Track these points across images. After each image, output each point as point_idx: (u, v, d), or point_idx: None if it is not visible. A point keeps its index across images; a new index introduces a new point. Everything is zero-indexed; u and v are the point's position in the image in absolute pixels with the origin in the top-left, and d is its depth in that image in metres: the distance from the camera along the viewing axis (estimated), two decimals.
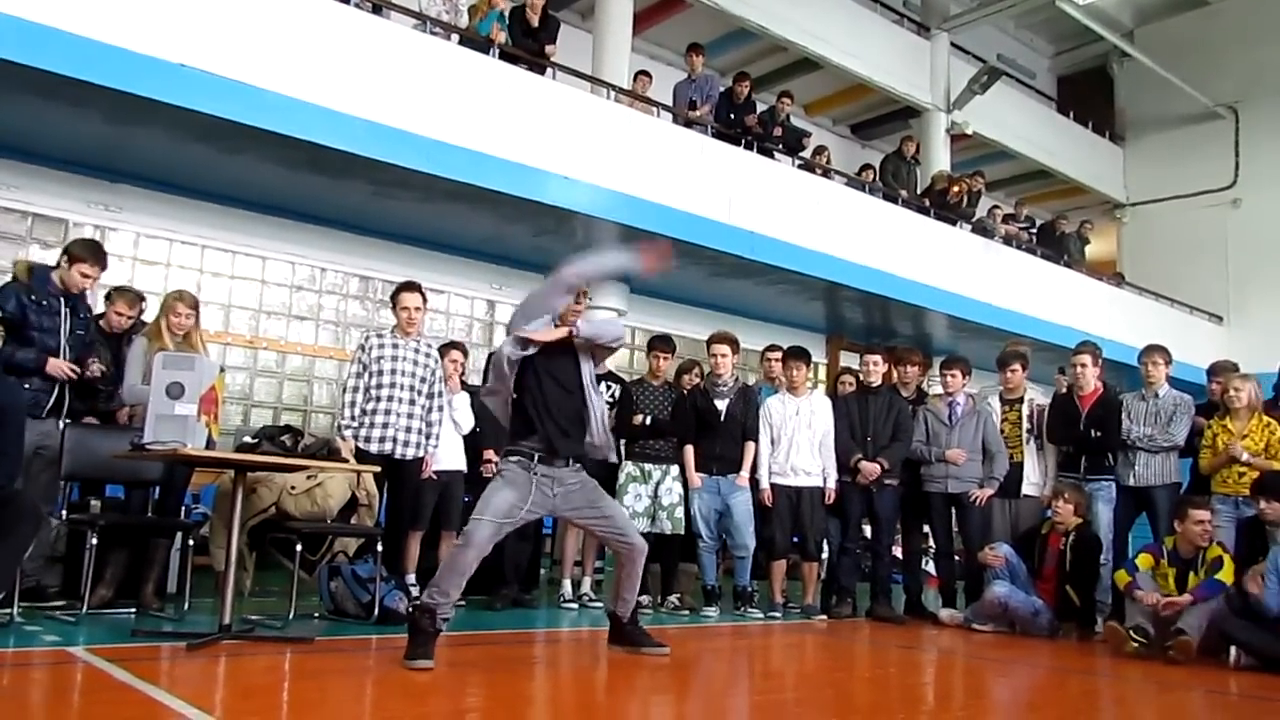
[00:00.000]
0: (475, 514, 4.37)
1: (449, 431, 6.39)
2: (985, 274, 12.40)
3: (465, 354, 6.79)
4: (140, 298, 6.06)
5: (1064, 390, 7.17)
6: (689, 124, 10.29)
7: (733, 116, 10.85)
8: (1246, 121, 16.51)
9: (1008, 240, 13.53)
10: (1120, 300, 14.79)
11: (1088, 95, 17.76)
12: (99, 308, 6.12)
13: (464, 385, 6.78)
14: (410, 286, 6.11)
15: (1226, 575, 5.64)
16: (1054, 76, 18.29)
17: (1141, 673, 5.32)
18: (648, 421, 6.81)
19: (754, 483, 6.88)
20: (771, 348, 7.87)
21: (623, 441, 6.95)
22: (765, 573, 7.10)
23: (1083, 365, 6.94)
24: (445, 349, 6.60)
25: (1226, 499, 6.27)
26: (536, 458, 4.44)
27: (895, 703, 4.41)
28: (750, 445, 6.87)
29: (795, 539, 7.07)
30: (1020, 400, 7.18)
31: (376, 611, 5.40)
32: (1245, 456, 6.21)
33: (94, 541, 4.97)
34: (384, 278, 9.64)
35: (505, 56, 8.57)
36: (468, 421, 6.55)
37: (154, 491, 5.65)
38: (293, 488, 6.15)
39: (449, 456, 6.42)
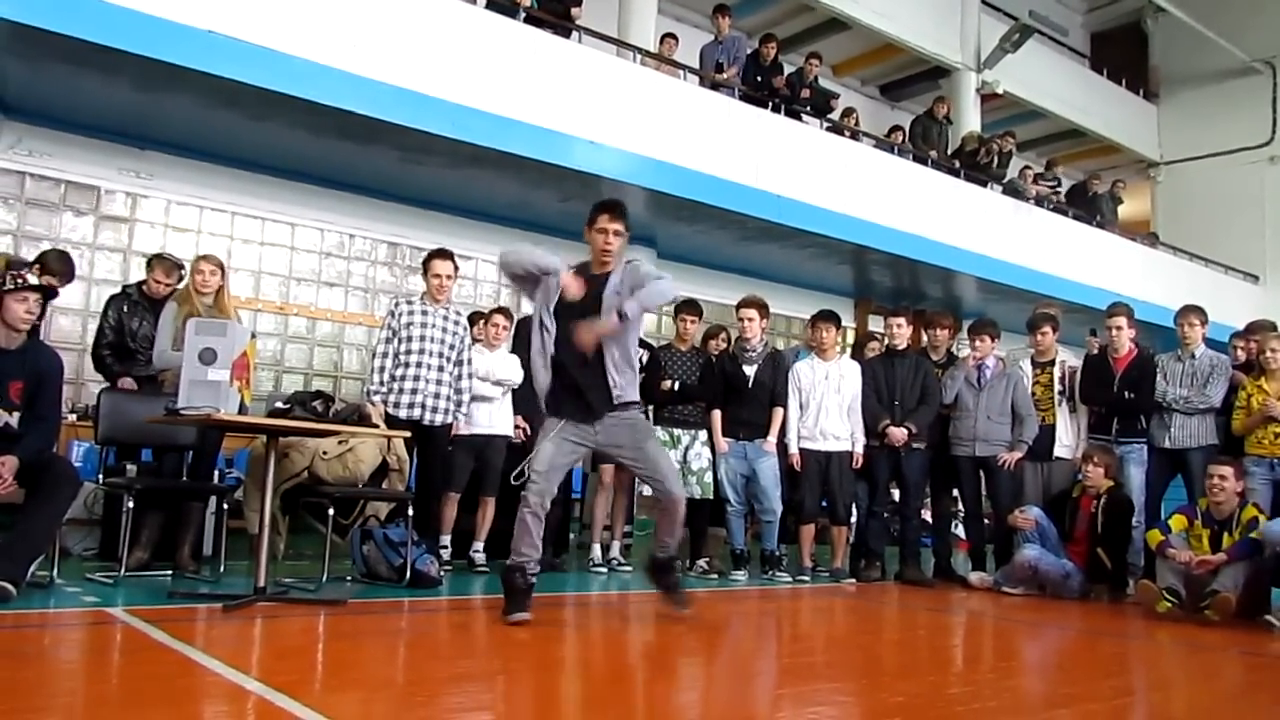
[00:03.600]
0: (531, 482, 4.47)
1: (496, 395, 6.46)
2: (1016, 235, 12.26)
3: (510, 318, 6.78)
4: (178, 265, 6.11)
5: (1096, 351, 7.10)
6: (715, 87, 10.20)
7: (760, 79, 10.74)
8: None
9: (1039, 201, 13.37)
10: (1154, 260, 14.58)
11: (1121, 52, 17.43)
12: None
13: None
14: (442, 254, 6.13)
15: (1261, 529, 5.58)
16: (1087, 33, 17.94)
17: (1173, 634, 5.30)
18: (676, 387, 6.80)
19: (783, 447, 6.88)
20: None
21: (651, 407, 6.96)
22: (794, 537, 7.11)
23: (1118, 328, 6.86)
24: (491, 314, 6.69)
25: (1261, 460, 6.20)
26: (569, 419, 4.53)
27: (925, 665, 4.41)
28: (779, 410, 6.85)
29: (824, 503, 7.07)
30: (1052, 363, 7.12)
31: (408, 575, 5.46)
32: None
33: (130, 505, 5.06)
34: (412, 244, 9.67)
35: (531, 20, 8.51)
36: (515, 375, 6.53)
37: (187, 456, 5.72)
38: (324, 453, 6.21)
39: (492, 418, 6.46)
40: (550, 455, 4.48)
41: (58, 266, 5.88)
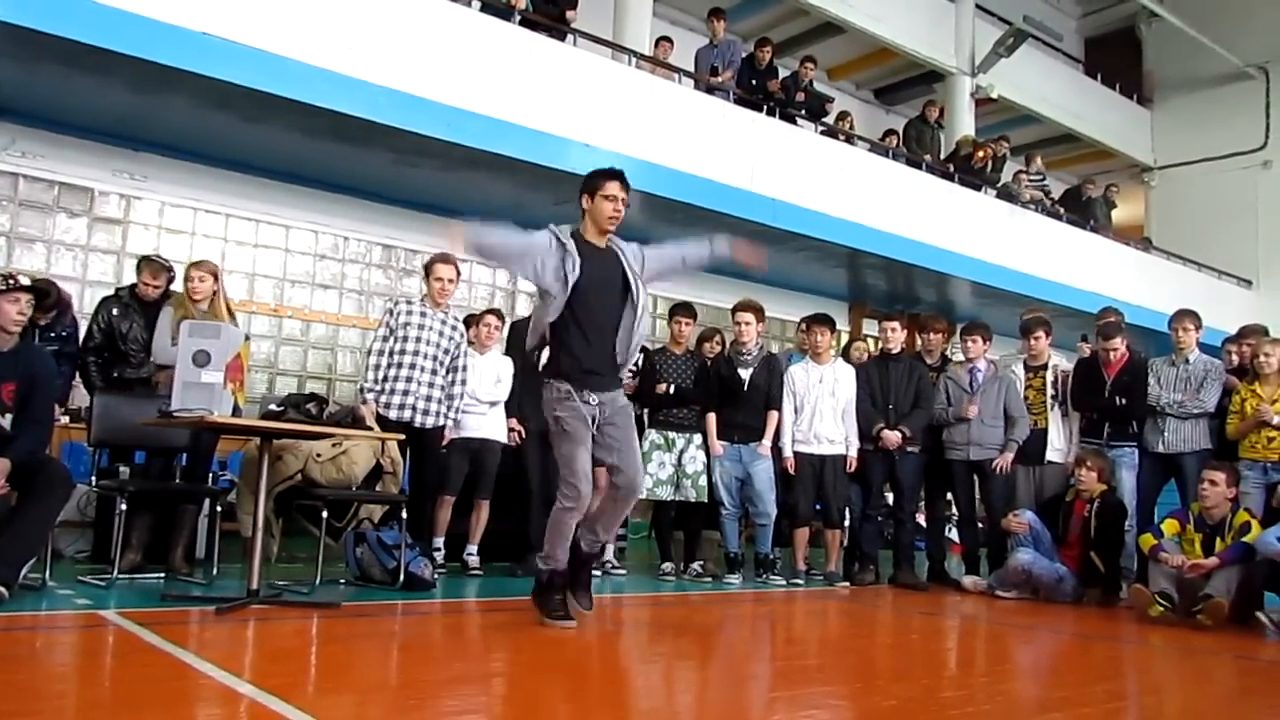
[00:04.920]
0: (565, 478, 4.39)
1: (486, 400, 6.45)
2: (1010, 239, 12.28)
3: (502, 319, 6.81)
4: (166, 268, 6.09)
5: (1087, 355, 7.09)
6: (711, 90, 10.21)
7: (755, 82, 10.75)
8: (1278, 81, 16.25)
9: (1036, 205, 13.37)
10: (1147, 265, 14.63)
11: (1115, 57, 17.47)
12: None
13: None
14: (445, 258, 6.15)
15: (1254, 539, 5.59)
16: (1081, 38, 18.00)
17: (1166, 638, 5.31)
18: (671, 390, 6.80)
19: (777, 451, 6.88)
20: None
21: (646, 410, 6.96)
22: (788, 540, 7.11)
23: (1113, 349, 6.85)
24: (483, 314, 6.71)
25: (1254, 464, 6.20)
26: (581, 387, 4.43)
27: (918, 668, 4.42)
28: (774, 414, 6.85)
29: (818, 506, 7.07)
30: (1044, 366, 7.12)
31: (401, 577, 5.45)
32: (1276, 420, 6.12)
33: (123, 507, 5.04)
34: (407, 246, 9.68)
35: (526, 23, 8.51)
36: (505, 383, 6.53)
37: (181, 458, 5.71)
38: (318, 455, 6.19)
39: (486, 425, 6.46)
40: (584, 458, 4.40)
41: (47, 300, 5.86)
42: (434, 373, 6.02)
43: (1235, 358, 6.93)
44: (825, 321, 7.13)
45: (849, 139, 11.63)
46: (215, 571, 5.53)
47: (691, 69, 10.41)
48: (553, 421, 4.47)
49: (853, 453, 6.93)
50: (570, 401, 4.41)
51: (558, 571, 4.46)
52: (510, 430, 6.60)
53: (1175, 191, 17.20)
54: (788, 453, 6.90)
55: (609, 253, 4.55)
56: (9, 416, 4.52)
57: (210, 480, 6.01)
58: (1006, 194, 12.95)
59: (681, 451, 6.85)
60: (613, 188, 4.52)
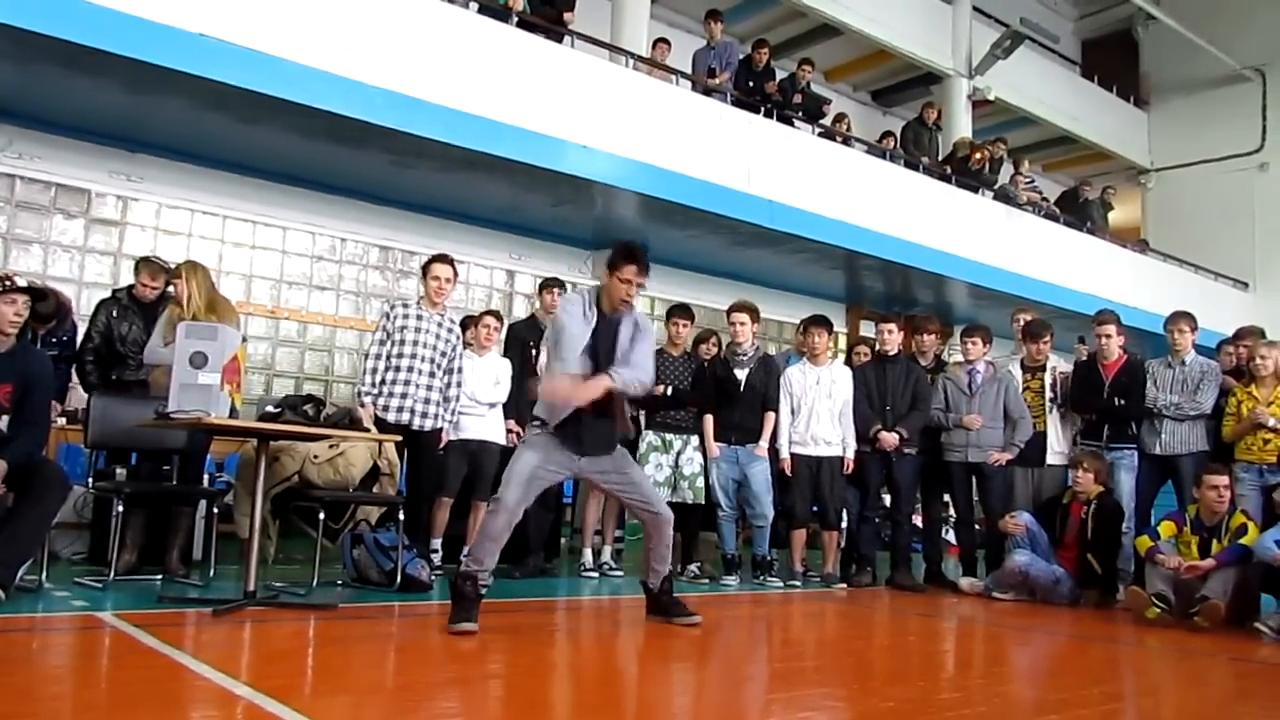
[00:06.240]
0: (503, 481, 4.42)
1: (485, 401, 6.46)
2: (1007, 241, 12.29)
3: (501, 320, 6.83)
4: (164, 269, 6.09)
5: (1084, 358, 7.10)
6: (708, 92, 10.21)
7: (752, 84, 10.76)
8: (1274, 84, 16.26)
9: (1037, 209, 13.37)
10: (1144, 267, 14.64)
11: (1112, 59, 17.50)
12: None
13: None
14: (442, 259, 6.16)
15: (1251, 541, 5.59)
16: (1078, 40, 18.01)
17: (1163, 640, 5.31)
18: (669, 392, 6.80)
19: (774, 452, 6.88)
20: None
21: (643, 412, 6.95)
22: (785, 542, 7.11)
23: (1107, 336, 6.87)
24: (482, 315, 6.73)
25: (1250, 466, 6.19)
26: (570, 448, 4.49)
27: (915, 670, 4.42)
28: (770, 415, 6.85)
29: (815, 508, 7.06)
30: (1042, 368, 7.12)
31: (399, 579, 5.45)
32: (1272, 423, 6.12)
33: (120, 509, 5.04)
34: (404, 248, 9.68)
35: (523, 24, 8.51)
36: (504, 385, 6.55)
37: (174, 460, 5.70)
38: (315, 456, 6.19)
39: (484, 427, 6.46)
40: (533, 468, 4.41)
41: (45, 309, 5.86)
42: (431, 375, 6.02)
43: (1232, 359, 6.94)
44: (822, 323, 7.13)
45: (846, 141, 11.64)
46: (212, 573, 5.53)
47: (689, 71, 10.41)
48: (521, 444, 4.55)
49: (850, 454, 6.93)
50: (544, 443, 4.47)
51: (475, 581, 4.34)
52: (509, 431, 6.60)
53: (1172, 193, 17.23)
54: (785, 454, 6.89)
55: (614, 319, 4.58)
56: (6, 418, 4.52)
57: (204, 481, 6.00)
58: (1004, 196, 12.96)
59: (678, 453, 6.85)
60: (629, 272, 4.52)
